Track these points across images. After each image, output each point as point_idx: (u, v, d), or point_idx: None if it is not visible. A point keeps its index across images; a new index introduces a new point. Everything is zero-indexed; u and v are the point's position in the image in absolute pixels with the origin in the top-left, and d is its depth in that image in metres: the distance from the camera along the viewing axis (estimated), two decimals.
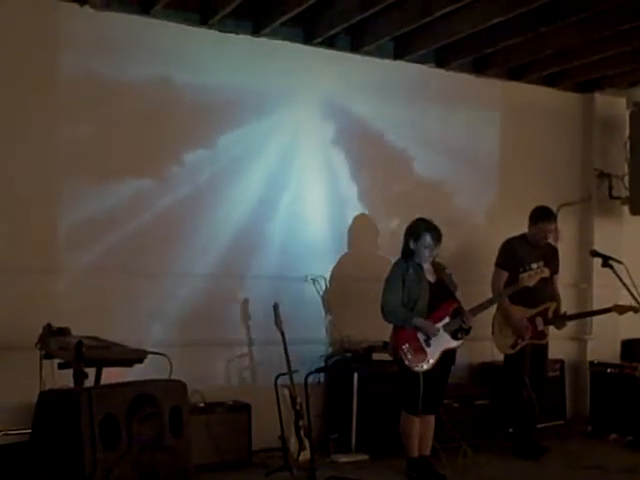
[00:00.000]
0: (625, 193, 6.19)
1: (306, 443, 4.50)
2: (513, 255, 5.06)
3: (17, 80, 4.37)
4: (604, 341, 6.12)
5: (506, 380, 5.16)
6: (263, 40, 5.01)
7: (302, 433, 4.53)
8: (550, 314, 5.12)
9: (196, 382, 4.49)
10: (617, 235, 6.22)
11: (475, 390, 5.48)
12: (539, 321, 5.08)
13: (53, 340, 3.68)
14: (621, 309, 4.98)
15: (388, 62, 5.47)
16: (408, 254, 4.52)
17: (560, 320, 5.18)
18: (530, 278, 4.67)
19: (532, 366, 5.08)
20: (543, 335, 5.14)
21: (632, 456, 5.08)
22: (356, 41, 5.31)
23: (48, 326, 3.78)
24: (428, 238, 4.43)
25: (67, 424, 2.97)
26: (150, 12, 4.67)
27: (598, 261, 4.96)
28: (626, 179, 6.15)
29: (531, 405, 5.07)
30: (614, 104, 6.37)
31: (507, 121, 5.98)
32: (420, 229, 4.46)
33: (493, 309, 5.03)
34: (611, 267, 4.81)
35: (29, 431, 3.28)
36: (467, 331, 4.46)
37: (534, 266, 4.92)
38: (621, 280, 4.72)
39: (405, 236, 4.56)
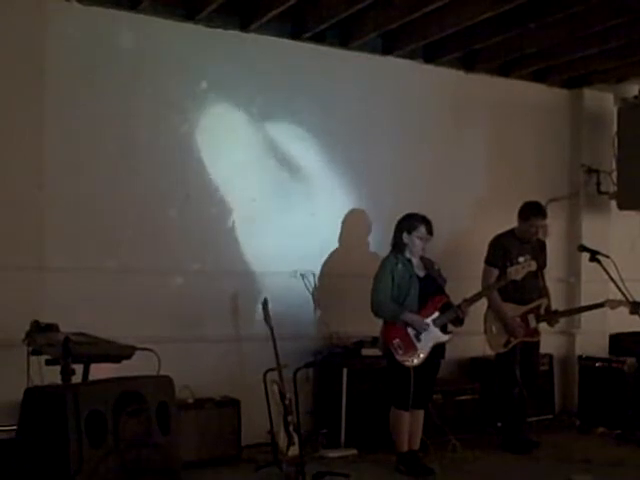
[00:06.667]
0: (613, 188, 6.20)
1: (295, 438, 4.47)
2: (502, 251, 5.04)
3: (4, 75, 4.34)
4: (592, 335, 6.14)
5: (498, 377, 5.15)
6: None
7: (291, 428, 4.52)
8: (542, 311, 5.12)
9: (185, 378, 4.49)
10: (605, 230, 6.23)
11: (465, 385, 5.48)
12: (531, 318, 5.07)
13: (41, 336, 3.67)
14: (613, 304, 5.00)
15: (377, 57, 5.46)
16: (399, 248, 4.53)
17: (552, 317, 5.17)
18: (517, 272, 4.64)
19: (524, 363, 5.07)
20: (535, 332, 5.14)
21: (620, 449, 5.10)
22: (344, 37, 5.29)
23: (36, 322, 3.78)
24: (423, 229, 4.48)
25: (53, 421, 2.96)
26: (138, 7, 4.65)
27: (586, 256, 4.97)
28: (614, 174, 6.16)
29: (522, 402, 5.07)
30: (602, 100, 6.37)
31: (495, 117, 5.98)
32: (415, 221, 4.51)
33: (484, 308, 5.03)
34: (598, 262, 4.82)
35: (15, 428, 3.27)
36: (462, 321, 4.47)
37: (521, 259, 4.91)
38: (608, 274, 4.74)
39: (397, 229, 4.57)
